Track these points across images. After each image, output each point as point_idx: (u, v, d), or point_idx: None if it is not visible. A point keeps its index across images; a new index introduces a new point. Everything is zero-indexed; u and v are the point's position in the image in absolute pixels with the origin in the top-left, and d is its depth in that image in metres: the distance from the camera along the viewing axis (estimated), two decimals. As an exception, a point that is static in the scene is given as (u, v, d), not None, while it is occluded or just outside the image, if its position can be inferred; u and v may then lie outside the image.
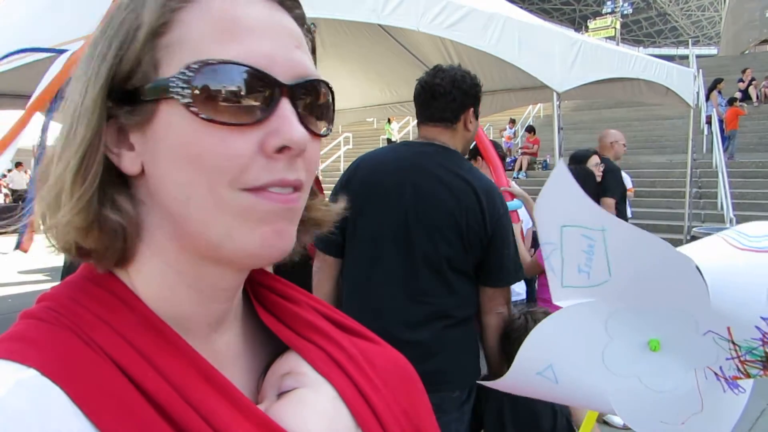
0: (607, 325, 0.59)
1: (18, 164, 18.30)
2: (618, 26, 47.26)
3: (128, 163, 0.50)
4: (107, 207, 0.49)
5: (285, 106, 0.49)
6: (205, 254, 0.51)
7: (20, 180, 18.05)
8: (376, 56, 5.62)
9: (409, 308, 1.98)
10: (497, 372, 2.19)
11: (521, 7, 4.42)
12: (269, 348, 0.61)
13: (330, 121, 0.55)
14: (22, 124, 2.35)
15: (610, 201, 4.57)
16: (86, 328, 0.47)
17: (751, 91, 16.15)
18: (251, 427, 0.48)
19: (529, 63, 4.01)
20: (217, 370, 0.50)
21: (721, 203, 9.72)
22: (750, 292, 0.58)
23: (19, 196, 17.71)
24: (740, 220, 8.83)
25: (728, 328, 0.57)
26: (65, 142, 0.49)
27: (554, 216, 0.58)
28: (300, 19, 0.54)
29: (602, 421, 4.10)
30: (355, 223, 2.06)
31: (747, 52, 28.76)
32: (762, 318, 0.57)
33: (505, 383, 0.67)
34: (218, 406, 0.47)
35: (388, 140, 19.36)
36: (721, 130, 11.77)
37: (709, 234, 4.94)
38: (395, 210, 2.01)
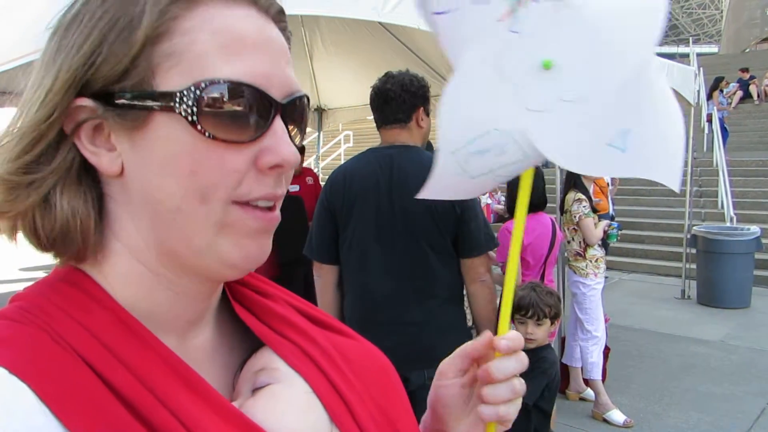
0: (501, 72, 0.58)
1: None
2: (619, 24, 47.08)
3: (107, 164, 0.49)
4: (55, 196, 0.49)
5: (278, 125, 0.51)
6: (185, 263, 0.52)
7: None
8: (376, 54, 5.61)
9: (401, 294, 2.28)
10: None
11: (522, 5, 4.40)
12: (246, 344, 0.61)
13: (305, 129, 0.57)
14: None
15: None
16: (56, 326, 0.47)
17: (752, 89, 16.11)
18: (224, 424, 0.48)
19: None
20: (191, 367, 0.50)
21: (722, 202, 9.70)
22: None
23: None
24: (741, 218, 8.83)
25: None
26: (21, 120, 0.49)
27: None
28: (285, 32, 0.55)
29: (603, 419, 4.11)
30: (344, 230, 2.36)
31: (748, 50, 28.71)
32: None
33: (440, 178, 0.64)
34: (190, 403, 0.47)
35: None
36: (723, 129, 11.75)
37: (709, 233, 4.93)
38: (376, 211, 2.30)
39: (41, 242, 0.50)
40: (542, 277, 3.78)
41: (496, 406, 0.62)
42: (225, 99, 0.47)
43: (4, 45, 3.15)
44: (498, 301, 2.66)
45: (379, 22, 4.65)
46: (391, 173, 2.30)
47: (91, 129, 0.49)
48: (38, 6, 2.92)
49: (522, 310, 2.57)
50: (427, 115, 2.45)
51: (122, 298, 0.51)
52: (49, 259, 0.50)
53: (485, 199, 7.69)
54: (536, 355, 2.54)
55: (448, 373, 0.66)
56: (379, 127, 2.46)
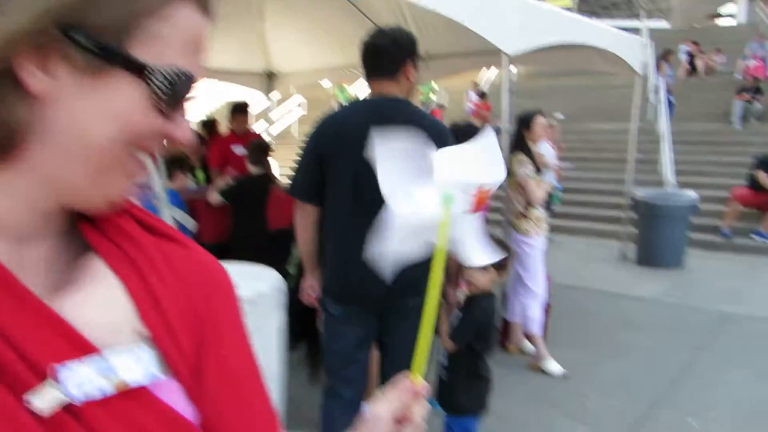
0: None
1: None
2: (576, -4, 47.39)
3: (36, 83, 0.51)
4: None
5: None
6: (71, 194, 0.58)
7: None
8: (328, 17, 5.56)
9: None
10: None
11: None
12: (85, 252, 0.64)
13: None
14: None
15: None
16: None
17: (699, 63, 16.63)
18: (30, 314, 0.52)
19: (481, 25, 4.06)
20: (7, 268, 0.53)
21: (663, 168, 10.12)
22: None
23: None
24: (682, 185, 9.24)
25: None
26: None
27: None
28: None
29: (540, 370, 4.35)
30: (331, 175, 2.44)
31: (698, 25, 29.39)
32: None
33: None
34: (3, 302, 0.51)
35: (340, 106, 19.01)
36: (669, 101, 12.13)
37: (649, 198, 5.27)
38: (365, 157, 2.23)
39: None
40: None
41: None
42: (177, 83, 0.57)
43: None
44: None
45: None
46: (381, 122, 2.37)
47: (34, 49, 0.50)
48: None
49: None
50: (415, 69, 2.55)
51: None
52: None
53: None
54: (472, 300, 2.69)
55: (386, 416, 0.73)
56: (368, 79, 2.58)
